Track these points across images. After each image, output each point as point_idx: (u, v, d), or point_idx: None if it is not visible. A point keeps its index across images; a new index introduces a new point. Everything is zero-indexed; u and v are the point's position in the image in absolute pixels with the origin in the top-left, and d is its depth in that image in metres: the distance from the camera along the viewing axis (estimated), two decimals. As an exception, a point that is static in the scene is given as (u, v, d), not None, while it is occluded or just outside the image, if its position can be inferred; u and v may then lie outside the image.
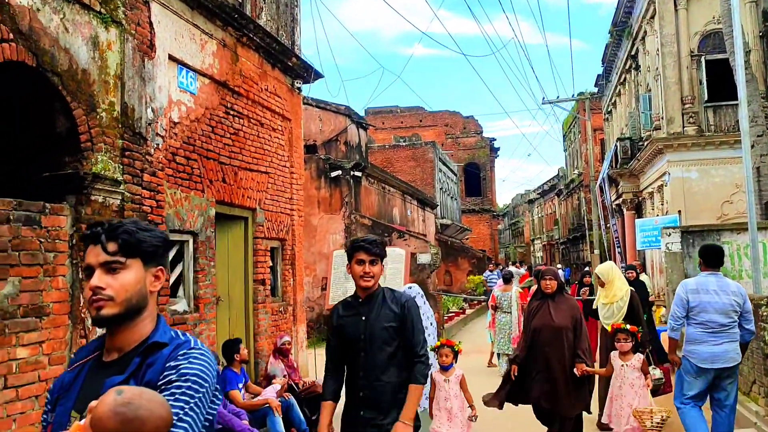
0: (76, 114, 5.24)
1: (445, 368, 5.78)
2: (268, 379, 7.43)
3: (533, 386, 6.01)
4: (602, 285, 7.24)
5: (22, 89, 5.12)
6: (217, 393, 1.84)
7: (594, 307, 7.56)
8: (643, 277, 11.98)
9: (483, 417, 6.22)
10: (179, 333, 1.92)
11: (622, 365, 6.02)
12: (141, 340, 1.86)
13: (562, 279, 17.45)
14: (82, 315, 5.21)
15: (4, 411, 4.55)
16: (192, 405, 1.70)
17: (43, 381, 4.89)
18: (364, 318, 3.62)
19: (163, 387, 1.71)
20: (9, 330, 4.59)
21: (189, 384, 1.72)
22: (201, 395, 1.73)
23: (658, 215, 18.76)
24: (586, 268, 17.77)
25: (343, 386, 3.79)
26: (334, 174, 16.99)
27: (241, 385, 6.71)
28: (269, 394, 6.91)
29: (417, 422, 3.60)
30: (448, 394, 5.71)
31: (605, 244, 25.63)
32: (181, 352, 1.80)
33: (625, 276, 10.24)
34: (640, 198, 23.50)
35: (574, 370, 5.79)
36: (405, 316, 3.62)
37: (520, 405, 6.30)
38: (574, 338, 5.91)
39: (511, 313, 10.94)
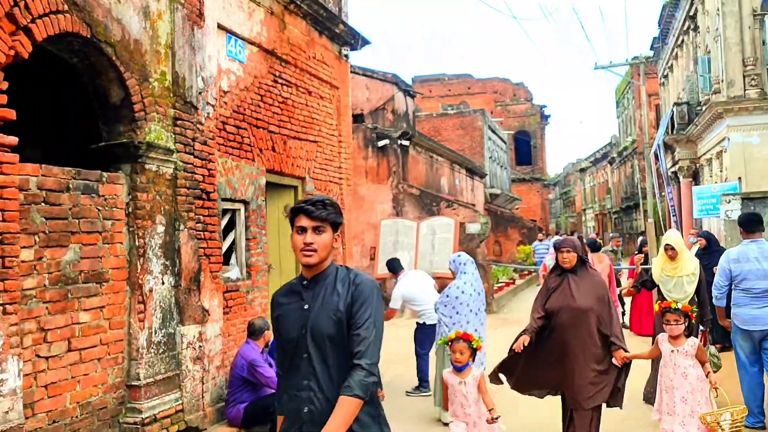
0: (130, 84, 5.32)
1: (459, 368, 4.83)
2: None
3: (549, 373, 5.32)
4: (672, 257, 6.47)
5: (77, 61, 5.21)
6: None
7: (658, 278, 6.68)
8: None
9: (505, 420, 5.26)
10: None
11: (672, 350, 5.01)
12: None
13: (617, 247, 16.33)
14: (140, 281, 5.35)
15: (68, 373, 4.73)
16: None
17: (104, 344, 5.06)
18: (306, 306, 2.72)
19: None
20: (72, 295, 4.75)
21: None
22: None
23: (716, 182, 18.18)
24: (642, 237, 17.41)
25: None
26: (381, 143, 16.94)
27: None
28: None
29: None
30: (467, 400, 4.78)
31: (660, 213, 25.01)
32: None
33: (696, 244, 9.88)
34: (697, 165, 22.80)
35: (613, 360, 5.09)
36: (355, 298, 2.68)
37: (539, 401, 5.60)
38: (599, 321, 5.14)
39: (562, 281, 10.80)
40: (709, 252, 9.33)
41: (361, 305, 2.67)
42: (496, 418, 4.66)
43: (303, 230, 2.71)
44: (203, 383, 6.08)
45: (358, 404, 2.57)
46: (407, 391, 7.93)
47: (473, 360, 4.89)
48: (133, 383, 5.28)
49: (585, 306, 5.12)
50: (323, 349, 2.66)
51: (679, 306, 5.06)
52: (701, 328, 6.50)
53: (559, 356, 5.21)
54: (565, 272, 5.30)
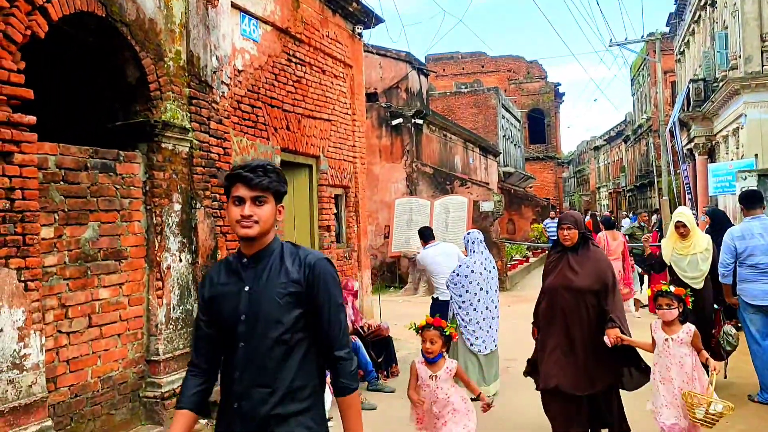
0: (145, 63, 5.35)
1: (430, 360, 4.24)
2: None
3: (548, 363, 4.87)
4: (684, 234, 6.20)
5: (93, 41, 5.24)
6: None
7: (669, 258, 6.37)
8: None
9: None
10: None
11: (666, 339, 4.56)
12: None
13: (644, 223, 15.78)
14: (158, 259, 5.42)
15: (89, 348, 4.82)
16: None
17: (124, 320, 5.15)
18: (247, 288, 2.38)
19: None
20: (91, 272, 4.83)
21: None
22: None
23: (732, 159, 18.03)
24: (657, 216, 17.35)
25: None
26: (395, 122, 16.93)
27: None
28: (336, 336, 7.10)
29: None
30: (435, 396, 4.19)
31: (675, 191, 24.84)
32: None
33: (703, 221, 9.72)
34: (713, 142, 22.59)
35: (604, 337, 4.62)
36: (312, 284, 2.37)
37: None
38: (599, 302, 4.72)
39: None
40: (716, 230, 9.13)
41: (322, 291, 2.39)
42: (491, 404, 4.21)
43: (240, 201, 2.36)
44: (221, 359, 6.17)
45: (357, 396, 2.46)
46: (421, 368, 8.00)
47: (447, 350, 4.35)
48: (152, 358, 5.38)
49: (584, 286, 4.75)
50: (264, 337, 2.34)
51: (672, 289, 4.65)
52: (715, 306, 6.44)
53: (560, 341, 4.85)
54: (565, 250, 4.93)
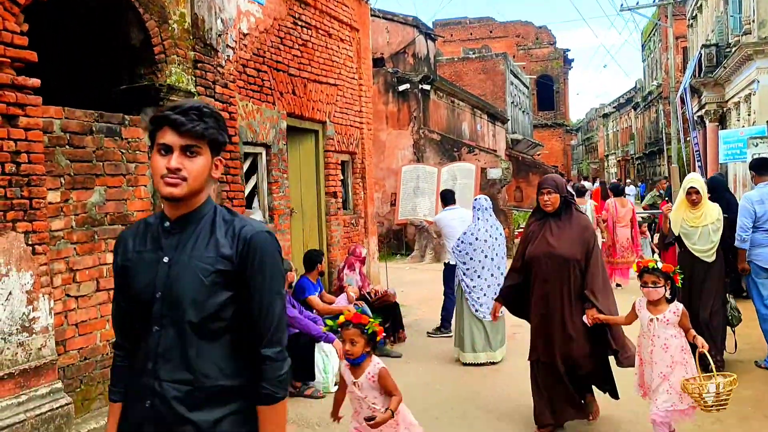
0: (149, 26, 5.28)
1: (352, 362, 3.59)
2: (343, 290, 7.65)
3: (533, 335, 4.73)
4: (696, 201, 5.90)
5: (96, 3, 5.17)
6: None
7: (678, 230, 6.03)
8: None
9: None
10: None
11: (651, 319, 4.17)
12: None
13: (664, 191, 15.56)
14: (164, 224, 5.41)
15: (97, 312, 4.85)
16: None
17: (131, 285, 5.16)
18: (167, 259, 1.94)
19: None
20: (98, 236, 4.84)
21: None
22: None
23: (744, 126, 17.81)
24: (667, 183, 17.21)
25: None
26: (402, 88, 16.77)
27: (316, 294, 6.93)
28: (343, 302, 7.13)
29: None
30: (360, 405, 3.59)
31: (684, 159, 24.63)
32: None
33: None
34: (724, 108, 22.32)
35: (584, 317, 4.42)
36: (245, 261, 1.92)
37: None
38: (582, 273, 4.47)
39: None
40: (715, 199, 8.82)
41: (257, 272, 1.93)
42: (370, 420, 3.45)
43: (167, 150, 1.88)
44: (228, 323, 6.20)
45: (284, 404, 1.98)
46: (428, 332, 8.06)
47: (374, 348, 3.68)
48: (160, 323, 5.40)
49: (567, 254, 4.47)
50: (182, 321, 1.90)
51: (659, 266, 4.23)
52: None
53: (540, 313, 4.63)
54: (546, 216, 4.63)
